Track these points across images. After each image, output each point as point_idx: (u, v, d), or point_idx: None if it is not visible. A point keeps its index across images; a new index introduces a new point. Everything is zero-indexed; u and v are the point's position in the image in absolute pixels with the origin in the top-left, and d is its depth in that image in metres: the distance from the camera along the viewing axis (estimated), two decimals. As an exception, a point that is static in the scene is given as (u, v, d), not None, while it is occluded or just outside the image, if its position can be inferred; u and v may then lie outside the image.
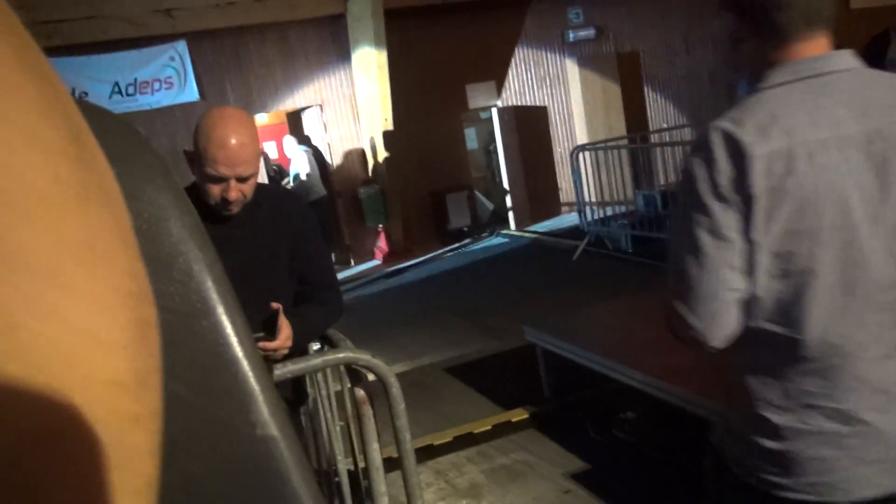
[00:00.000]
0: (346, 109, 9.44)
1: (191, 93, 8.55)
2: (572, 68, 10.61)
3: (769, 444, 1.36)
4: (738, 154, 1.24)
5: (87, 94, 7.90)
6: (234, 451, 0.46)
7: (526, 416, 4.07)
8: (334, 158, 9.48)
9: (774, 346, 1.33)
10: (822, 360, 1.31)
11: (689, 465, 3.29)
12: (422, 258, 9.37)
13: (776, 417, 1.34)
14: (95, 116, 0.25)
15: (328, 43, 9.25)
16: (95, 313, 0.23)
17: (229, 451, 0.46)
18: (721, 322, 1.31)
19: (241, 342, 0.48)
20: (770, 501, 1.39)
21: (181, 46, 8.41)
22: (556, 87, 10.68)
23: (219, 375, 0.46)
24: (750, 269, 1.28)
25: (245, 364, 0.48)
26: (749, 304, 1.31)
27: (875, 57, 8.41)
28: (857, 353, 1.30)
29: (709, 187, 1.27)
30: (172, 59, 8.43)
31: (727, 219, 1.26)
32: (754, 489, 1.40)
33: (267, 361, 1.88)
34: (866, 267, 1.27)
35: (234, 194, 1.98)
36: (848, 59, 1.34)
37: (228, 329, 0.48)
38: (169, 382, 0.27)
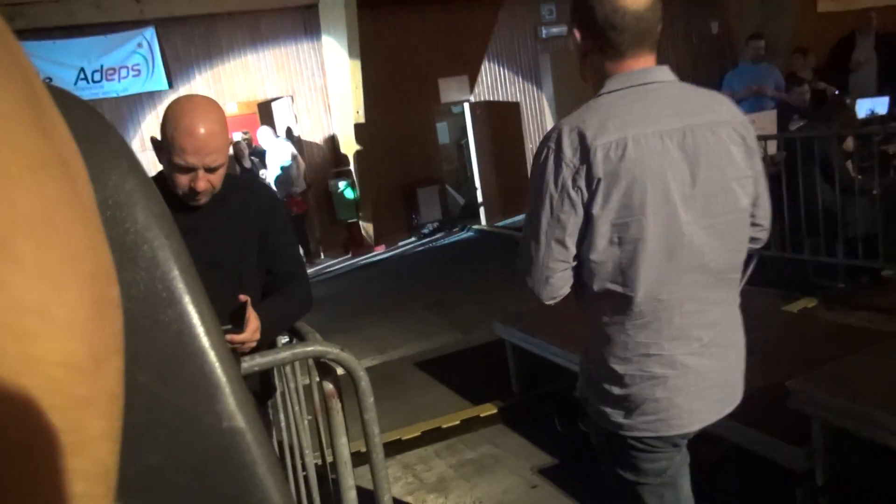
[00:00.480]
0: (318, 100, 9.36)
1: (159, 81, 8.41)
2: (545, 64, 10.64)
3: (616, 390, 1.65)
4: (583, 145, 1.53)
5: (51, 79, 7.73)
6: (199, 442, 0.45)
7: (494, 410, 4.09)
8: (305, 150, 9.40)
9: (615, 304, 1.61)
10: (652, 314, 1.59)
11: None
12: (392, 251, 9.34)
13: (620, 367, 1.63)
14: (57, 98, 0.24)
15: (300, 32, 9.16)
16: (48, 291, 0.21)
17: (194, 442, 0.44)
18: (551, 285, 1.62)
19: (207, 332, 0.47)
20: (619, 440, 1.69)
21: (149, 33, 8.27)
22: (529, 83, 10.71)
23: (184, 366, 0.45)
24: (584, 240, 1.58)
25: (211, 354, 0.46)
26: (591, 270, 1.60)
27: (840, 60, 8.54)
28: (677, 308, 1.59)
29: (554, 176, 1.55)
30: (140, 45, 8.28)
31: (564, 204, 1.55)
32: (611, 433, 1.69)
33: (234, 354, 1.86)
34: (682, 237, 1.56)
35: (202, 184, 1.95)
36: (666, 73, 1.67)
37: (195, 319, 0.47)
38: (132, 371, 0.26)
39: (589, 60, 1.68)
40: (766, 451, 2.65)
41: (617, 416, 1.66)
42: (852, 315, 4.59)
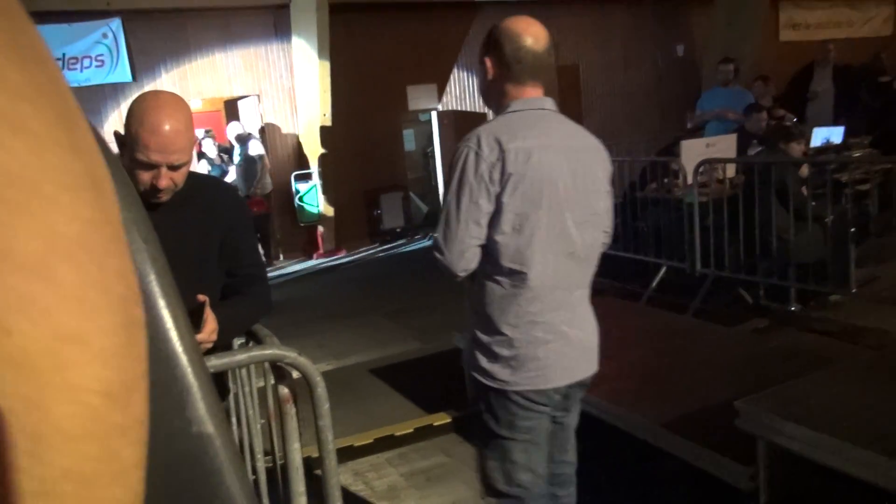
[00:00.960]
0: (285, 101, 9.30)
1: (122, 73, 8.27)
2: (513, 78, 10.73)
3: (506, 352, 2.01)
4: (500, 147, 1.92)
5: (10, 65, 7.54)
6: (167, 446, 0.45)
7: (448, 420, 4.09)
8: (269, 150, 9.32)
9: (512, 279, 1.99)
10: (540, 289, 1.99)
11: (600, 471, 3.36)
12: (353, 256, 9.31)
13: (511, 332, 2.00)
14: None
15: (270, 32, 9.10)
16: (86, 317, 0.21)
17: (162, 447, 0.44)
18: (465, 259, 1.98)
19: (181, 337, 0.47)
20: (503, 397, 2.02)
21: (115, 24, 8.13)
22: (496, 95, 10.78)
23: (155, 369, 0.45)
24: (492, 225, 1.95)
25: (183, 359, 0.46)
26: (495, 250, 1.97)
27: (799, 89, 8.79)
28: (558, 286, 2.02)
29: (475, 169, 1.93)
30: (105, 36, 8.14)
31: (481, 191, 1.93)
32: (496, 391, 2.03)
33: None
34: (565, 229, 2.00)
35: (164, 182, 1.92)
36: (552, 104, 2.11)
37: (168, 323, 0.47)
38: None
39: (495, 85, 2.09)
40: (713, 470, 2.71)
41: (504, 374, 2.02)
42: (801, 337, 4.71)
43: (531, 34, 2.06)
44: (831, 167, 5.39)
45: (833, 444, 2.29)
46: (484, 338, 2.04)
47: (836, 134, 7.05)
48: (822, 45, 9.11)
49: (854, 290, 5.08)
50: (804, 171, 5.30)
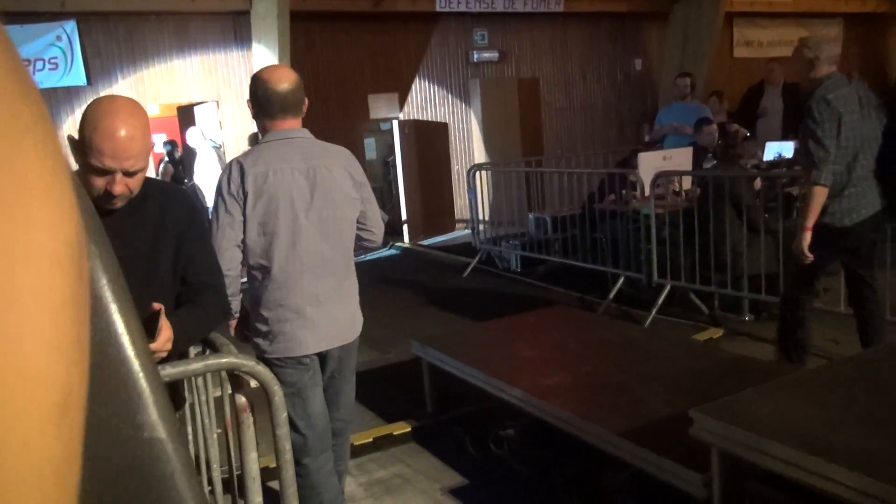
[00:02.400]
0: (244, 108, 9.17)
1: (77, 76, 8.10)
2: (474, 88, 10.80)
3: (264, 328, 2.64)
4: (242, 172, 2.55)
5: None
6: (119, 452, 0.44)
7: (407, 429, 4.08)
8: (227, 157, 9.21)
9: (263, 273, 2.61)
10: (283, 280, 2.60)
11: (559, 483, 3.39)
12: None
13: (266, 313, 2.63)
14: None
15: (230, 39, 9.01)
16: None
17: (113, 452, 0.44)
18: (225, 257, 2.48)
19: (132, 342, 0.46)
20: (268, 362, 2.52)
21: (70, 26, 7.97)
22: (458, 105, 10.83)
23: (107, 375, 0.44)
24: (245, 232, 2.56)
25: (135, 364, 0.46)
26: (248, 251, 2.58)
27: (750, 105, 9.01)
28: (301, 277, 2.61)
29: (227, 188, 2.55)
30: (59, 38, 7.97)
31: (234, 205, 2.54)
32: (264, 358, 2.57)
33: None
34: (301, 234, 2.59)
35: (119, 188, 1.89)
36: (305, 133, 2.71)
37: (120, 328, 0.46)
38: None
39: (257, 121, 2.70)
40: (668, 477, 2.74)
41: (265, 345, 2.65)
42: (754, 347, 4.81)
43: (276, 78, 2.62)
44: (783, 181, 5.54)
45: (782, 451, 2.34)
46: (252, 318, 2.69)
47: (787, 149, 7.23)
48: (768, 64, 9.37)
49: (804, 302, 5.20)
50: (757, 184, 5.43)
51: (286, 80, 2.62)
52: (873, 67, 14.94)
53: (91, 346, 0.50)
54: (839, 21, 14.30)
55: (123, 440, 0.45)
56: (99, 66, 8.28)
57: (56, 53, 7.96)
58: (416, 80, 10.45)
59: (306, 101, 2.71)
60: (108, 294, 0.46)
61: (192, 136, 9.12)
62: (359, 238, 2.83)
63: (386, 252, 9.64)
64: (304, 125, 2.75)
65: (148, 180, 2.02)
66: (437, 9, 9.83)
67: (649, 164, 6.03)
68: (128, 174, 1.89)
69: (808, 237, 3.80)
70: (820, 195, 3.75)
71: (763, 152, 7.40)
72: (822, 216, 3.80)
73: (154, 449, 0.44)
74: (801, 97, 9.43)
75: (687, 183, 6.18)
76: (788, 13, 13.32)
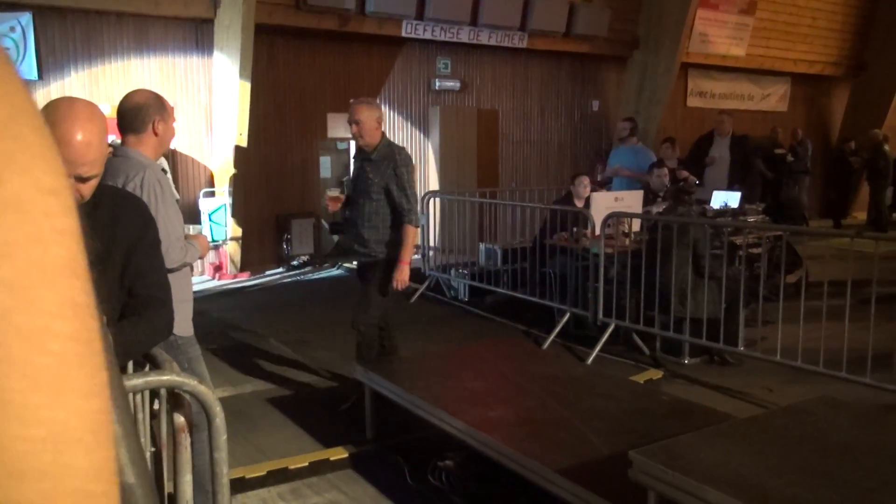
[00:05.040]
0: (200, 118, 9.05)
1: (28, 70, 7.88)
2: (434, 115, 10.86)
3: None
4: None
5: None
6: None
7: (345, 455, 4.02)
8: (179, 166, 9.03)
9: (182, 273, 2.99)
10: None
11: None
12: (257, 280, 9.09)
13: (184, 306, 2.90)
14: None
15: (192, 45, 8.89)
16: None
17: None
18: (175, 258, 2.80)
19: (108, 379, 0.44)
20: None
21: (25, 19, 7.77)
22: (417, 131, 10.87)
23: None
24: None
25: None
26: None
27: (699, 155, 9.29)
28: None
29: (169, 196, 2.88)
30: (13, 29, 7.75)
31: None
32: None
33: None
34: None
35: (70, 192, 1.83)
36: (135, 148, 2.90)
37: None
38: None
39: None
40: (605, 518, 2.75)
41: (188, 328, 3.08)
42: (692, 391, 4.90)
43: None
44: (728, 229, 5.69)
45: (718, 498, 2.38)
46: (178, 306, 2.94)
47: (733, 198, 7.44)
48: (717, 116, 9.71)
49: (741, 348, 5.34)
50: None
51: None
52: (817, 127, 15.58)
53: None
54: (787, 79, 14.89)
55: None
56: (52, 61, 8.08)
57: (8, 45, 7.73)
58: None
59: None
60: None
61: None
62: None
63: (334, 272, 9.56)
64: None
65: (101, 186, 1.97)
66: (403, 34, 9.89)
67: (601, 204, 6.14)
68: (81, 180, 1.84)
69: None
70: None
71: (710, 200, 7.61)
72: None
73: (123, 494, 0.42)
74: (749, 149, 9.77)
75: (636, 225, 6.30)
76: (741, 68, 13.83)
